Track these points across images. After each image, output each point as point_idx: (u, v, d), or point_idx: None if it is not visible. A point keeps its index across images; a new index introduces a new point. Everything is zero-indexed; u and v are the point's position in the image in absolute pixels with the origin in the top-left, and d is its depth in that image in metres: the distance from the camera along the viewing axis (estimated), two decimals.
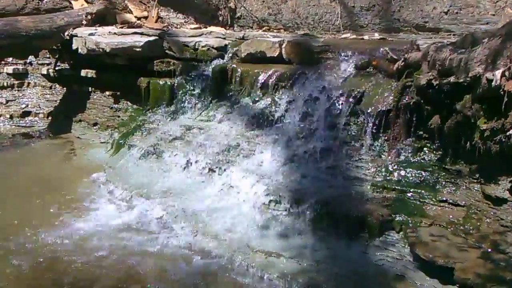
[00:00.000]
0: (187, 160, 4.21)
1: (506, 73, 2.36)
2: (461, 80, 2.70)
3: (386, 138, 3.45)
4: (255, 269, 2.99)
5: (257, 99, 4.25)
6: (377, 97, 3.51)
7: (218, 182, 3.91)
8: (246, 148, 4.05)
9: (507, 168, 2.72)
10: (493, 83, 2.41)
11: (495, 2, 5.52)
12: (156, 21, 5.91)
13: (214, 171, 4.03)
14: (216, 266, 3.06)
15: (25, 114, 6.09)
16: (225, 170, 3.97)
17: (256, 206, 3.55)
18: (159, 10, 6.23)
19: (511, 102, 2.34)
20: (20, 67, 6.24)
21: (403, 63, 3.39)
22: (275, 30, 6.17)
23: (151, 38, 4.95)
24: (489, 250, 2.63)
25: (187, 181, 4.06)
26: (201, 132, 4.43)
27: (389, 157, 3.41)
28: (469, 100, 2.73)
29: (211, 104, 4.66)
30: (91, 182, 4.38)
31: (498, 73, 2.40)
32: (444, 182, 3.12)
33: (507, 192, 2.74)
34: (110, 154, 4.91)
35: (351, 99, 3.62)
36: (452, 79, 2.79)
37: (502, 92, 2.35)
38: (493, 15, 5.49)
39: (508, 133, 2.34)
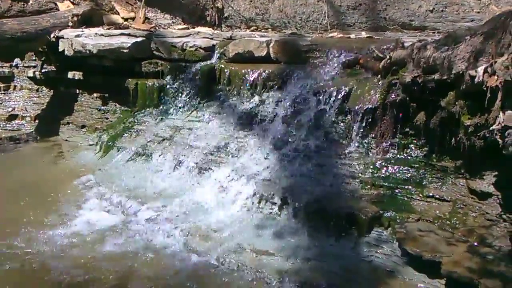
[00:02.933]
0: (177, 161, 4.21)
1: (489, 69, 2.40)
2: (445, 77, 2.75)
3: (373, 135, 3.48)
4: (247, 268, 3.01)
5: (245, 98, 4.26)
6: (364, 95, 3.54)
7: (208, 183, 3.92)
8: (236, 148, 4.06)
9: (491, 163, 2.77)
10: (476, 80, 2.45)
11: (479, 0, 5.60)
12: (143, 22, 5.88)
13: (204, 172, 4.04)
14: (208, 266, 3.07)
15: (12, 117, 6.00)
16: (215, 170, 3.98)
17: (247, 206, 3.57)
18: (146, 11, 6.21)
19: (494, 97, 2.39)
20: (6, 70, 6.15)
21: (388, 61, 3.43)
22: (263, 30, 6.19)
23: (139, 39, 4.94)
24: (476, 243, 2.68)
25: (177, 182, 4.06)
26: (190, 133, 4.43)
27: (377, 154, 3.44)
28: (453, 97, 2.78)
29: (199, 105, 4.66)
30: (79, 185, 4.35)
31: (480, 69, 2.44)
32: (430, 178, 3.17)
33: (492, 186, 2.79)
34: (99, 157, 4.88)
35: (338, 97, 3.65)
36: (436, 76, 2.84)
37: (484, 88, 2.39)
38: (478, 12, 5.57)
39: (491, 128, 2.38)
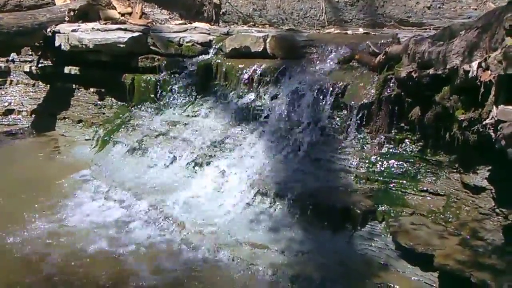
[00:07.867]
0: (173, 156, 4.22)
1: (482, 64, 2.41)
2: (440, 72, 2.76)
3: (368, 130, 3.49)
4: (241, 261, 3.02)
5: (242, 94, 4.27)
6: (359, 90, 3.55)
7: (203, 177, 3.93)
8: (232, 143, 4.07)
9: (484, 157, 2.78)
10: (470, 74, 2.46)
11: None
12: (140, 17, 5.88)
13: (200, 166, 4.05)
14: (202, 259, 3.09)
15: (8, 112, 6.00)
16: (210, 165, 3.99)
17: (242, 200, 3.58)
18: (143, 6, 6.20)
19: (487, 92, 2.40)
20: (2, 65, 6.15)
21: (384, 56, 3.44)
22: (260, 26, 6.20)
23: (135, 34, 4.93)
24: (468, 237, 2.69)
25: (173, 176, 4.07)
26: (186, 128, 4.44)
27: (372, 149, 3.45)
28: (448, 92, 2.78)
29: (196, 100, 4.66)
30: (76, 179, 4.36)
31: (474, 64, 2.45)
32: (425, 172, 3.18)
33: (485, 180, 2.81)
34: (95, 151, 4.89)
35: (334, 93, 3.66)
36: (431, 71, 2.84)
37: (478, 83, 2.40)
38: (475, 9, 5.59)
39: (484, 123, 2.39)
